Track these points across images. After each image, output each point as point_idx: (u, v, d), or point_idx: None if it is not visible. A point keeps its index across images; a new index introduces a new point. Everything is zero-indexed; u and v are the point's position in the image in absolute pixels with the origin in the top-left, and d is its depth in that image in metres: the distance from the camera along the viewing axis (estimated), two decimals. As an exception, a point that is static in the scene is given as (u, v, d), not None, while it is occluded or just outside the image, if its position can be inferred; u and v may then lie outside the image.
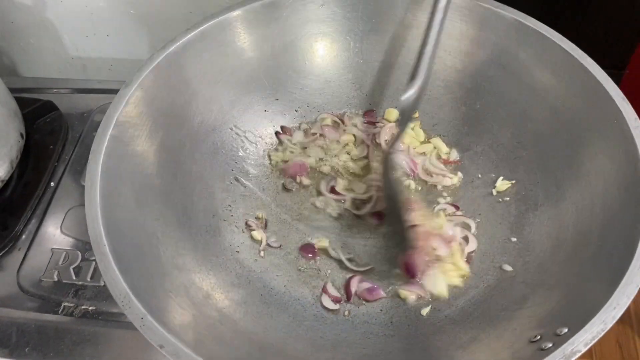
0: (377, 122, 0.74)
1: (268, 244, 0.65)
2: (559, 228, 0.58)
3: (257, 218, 0.67)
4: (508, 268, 0.59)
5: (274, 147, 0.73)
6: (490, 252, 0.62)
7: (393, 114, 0.74)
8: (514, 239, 0.61)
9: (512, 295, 0.56)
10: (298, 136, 0.73)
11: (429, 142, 0.72)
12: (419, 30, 0.69)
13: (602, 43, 0.88)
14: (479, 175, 0.68)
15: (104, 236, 0.50)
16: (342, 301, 0.60)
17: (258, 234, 0.65)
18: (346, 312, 0.59)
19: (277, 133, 0.73)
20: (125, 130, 0.58)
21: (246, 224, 0.66)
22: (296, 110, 0.74)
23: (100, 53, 0.99)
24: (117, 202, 0.54)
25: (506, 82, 0.66)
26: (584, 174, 0.58)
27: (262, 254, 0.64)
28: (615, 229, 0.51)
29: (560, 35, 0.61)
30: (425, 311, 0.58)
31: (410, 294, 0.60)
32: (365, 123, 0.74)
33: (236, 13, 0.67)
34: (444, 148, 0.71)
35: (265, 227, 0.67)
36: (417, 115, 0.73)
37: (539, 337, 0.46)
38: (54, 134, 0.81)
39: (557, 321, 0.46)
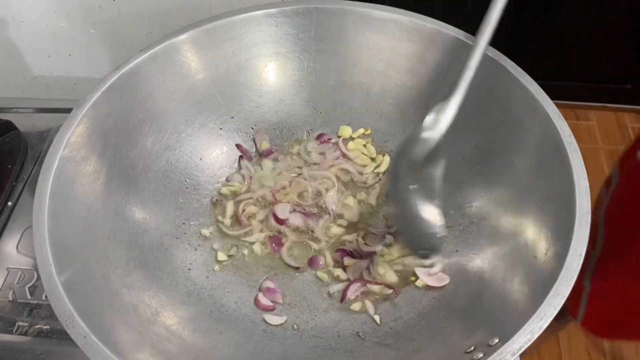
0: (331, 139, 0.76)
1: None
2: (500, 242, 0.59)
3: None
4: (452, 280, 0.61)
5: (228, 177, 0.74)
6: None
7: (346, 130, 0.76)
8: (457, 252, 0.63)
9: (454, 307, 0.57)
10: (267, 165, 0.75)
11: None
12: (370, 51, 0.72)
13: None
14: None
15: (50, 256, 0.51)
16: (274, 309, 0.62)
17: (223, 255, 0.67)
18: (294, 326, 0.60)
19: (240, 157, 0.75)
20: (76, 151, 0.59)
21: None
22: (252, 128, 0.76)
23: (63, 72, 1.00)
24: (66, 222, 0.55)
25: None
26: (524, 188, 0.60)
27: (216, 267, 0.66)
28: (547, 242, 0.52)
29: (500, 54, 0.64)
30: (377, 318, 0.61)
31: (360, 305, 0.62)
32: (319, 145, 0.76)
33: (189, 34, 0.68)
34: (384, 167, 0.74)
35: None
36: (369, 132, 0.75)
37: (473, 347, 0.48)
38: (12, 153, 0.81)
39: (491, 332, 0.48)
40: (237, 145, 0.75)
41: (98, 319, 0.49)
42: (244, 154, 0.75)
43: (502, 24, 0.70)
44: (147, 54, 0.66)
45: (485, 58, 0.63)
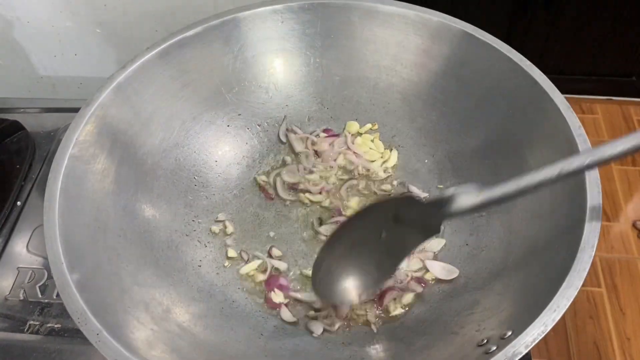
0: (338, 135, 0.76)
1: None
2: (510, 234, 0.59)
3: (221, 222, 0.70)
4: (462, 274, 0.61)
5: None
6: (446, 258, 0.64)
7: (354, 126, 0.76)
8: (468, 246, 0.63)
9: (464, 300, 0.57)
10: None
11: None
12: (376, 45, 0.72)
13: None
14: (438, 186, 0.70)
15: (61, 255, 0.51)
16: (282, 307, 0.62)
17: (234, 252, 0.67)
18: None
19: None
20: (85, 149, 0.59)
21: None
22: (259, 125, 0.76)
23: (68, 72, 1.00)
24: (77, 221, 0.55)
25: (459, 92, 0.68)
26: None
27: (227, 263, 0.66)
28: (559, 235, 0.52)
29: (508, 47, 0.63)
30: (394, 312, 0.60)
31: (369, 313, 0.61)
32: (326, 137, 0.76)
33: (195, 31, 0.68)
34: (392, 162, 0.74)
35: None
36: (376, 127, 0.75)
37: (485, 340, 0.48)
38: (20, 153, 0.81)
39: (503, 325, 0.48)
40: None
41: (110, 316, 0.49)
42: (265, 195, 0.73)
43: (506, 17, 0.70)
44: (153, 52, 0.66)
45: (492, 50, 0.64)
